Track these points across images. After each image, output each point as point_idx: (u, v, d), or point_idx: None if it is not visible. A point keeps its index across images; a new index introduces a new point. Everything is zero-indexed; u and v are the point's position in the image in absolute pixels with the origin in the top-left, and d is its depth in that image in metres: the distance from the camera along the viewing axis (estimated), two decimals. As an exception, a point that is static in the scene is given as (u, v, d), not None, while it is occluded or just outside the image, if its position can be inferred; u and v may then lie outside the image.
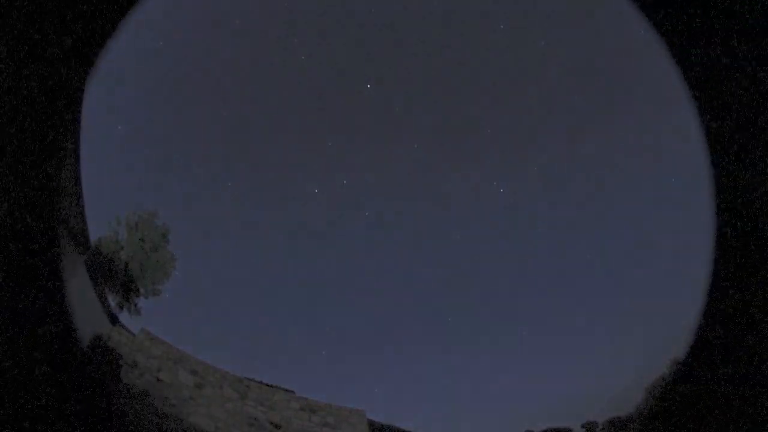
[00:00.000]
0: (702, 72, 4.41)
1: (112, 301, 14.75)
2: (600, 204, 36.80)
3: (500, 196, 37.27)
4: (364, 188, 38.43)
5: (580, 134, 35.90)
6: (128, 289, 15.39)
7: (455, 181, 38.11)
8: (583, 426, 12.94)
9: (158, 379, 10.86)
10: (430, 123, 37.51)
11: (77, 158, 6.81)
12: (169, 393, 10.74)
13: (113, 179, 30.09)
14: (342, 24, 35.08)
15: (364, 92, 35.94)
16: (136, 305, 15.66)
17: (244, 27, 33.87)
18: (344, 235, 39.31)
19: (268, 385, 12.68)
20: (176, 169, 36.60)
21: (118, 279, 15.09)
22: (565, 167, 36.70)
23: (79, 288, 7.81)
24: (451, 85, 36.41)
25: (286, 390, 12.89)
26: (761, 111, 3.94)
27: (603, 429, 12.17)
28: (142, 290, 15.63)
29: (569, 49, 33.64)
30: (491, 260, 39.33)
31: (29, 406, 5.63)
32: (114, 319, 11.62)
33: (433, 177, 38.63)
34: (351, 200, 38.75)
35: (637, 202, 35.18)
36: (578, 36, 33.28)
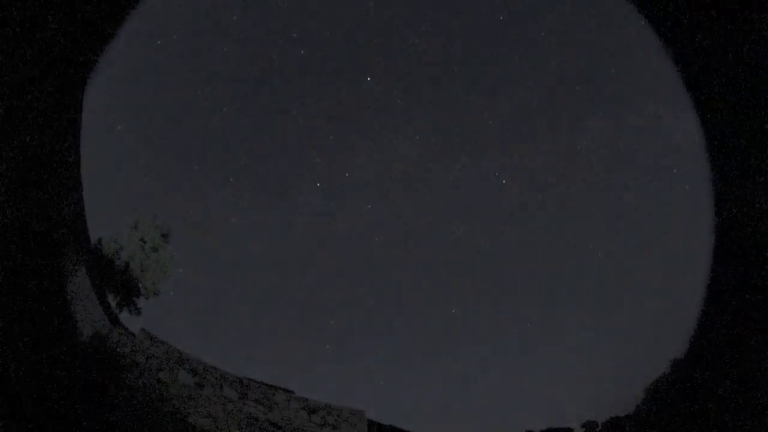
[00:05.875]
0: (698, 65, 4.40)
1: (112, 301, 14.74)
2: (602, 197, 36.81)
3: (502, 187, 37.29)
4: (365, 182, 38.47)
5: (582, 125, 35.90)
6: (128, 289, 15.39)
7: (457, 172, 38.12)
8: (583, 426, 12.92)
9: (158, 379, 10.86)
10: (431, 114, 37.51)
11: (77, 158, 6.81)
12: (169, 393, 10.74)
13: (113, 179, 30.07)
14: (340, 17, 35.07)
15: (364, 85, 35.97)
16: (136, 305, 15.66)
17: (242, 23, 33.92)
18: (345, 230, 39.33)
19: (268, 385, 12.67)
20: (176, 169, 36.60)
21: (118, 279, 15.09)
22: (567, 159, 36.70)
23: (79, 288, 7.81)
24: (452, 77, 36.44)
25: (286, 390, 12.88)
26: (756, 104, 3.94)
27: (603, 429, 12.16)
28: (142, 290, 15.63)
29: (570, 40, 33.66)
30: (493, 255, 39.34)
31: (30, 405, 5.66)
32: (114, 319, 11.60)
33: (434, 168, 38.64)
34: (352, 194, 38.76)
35: (638, 196, 35.19)
36: (579, 27, 33.29)
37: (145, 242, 15.66)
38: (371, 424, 13.51)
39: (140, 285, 15.50)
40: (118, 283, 15.12)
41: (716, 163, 4.89)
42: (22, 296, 5.77)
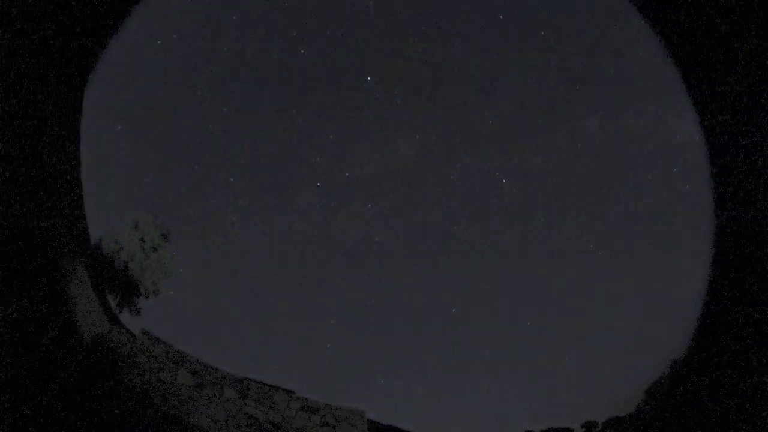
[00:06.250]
0: (698, 65, 4.41)
1: (112, 301, 14.74)
2: (602, 197, 36.81)
3: (502, 187, 37.31)
4: (365, 181, 38.50)
5: (582, 125, 35.92)
6: (128, 289, 15.38)
7: (457, 171, 38.16)
8: (583, 426, 12.93)
9: (158, 379, 10.86)
10: (431, 114, 37.54)
11: (77, 158, 6.81)
12: (169, 393, 10.74)
13: (113, 179, 30.09)
14: (340, 17, 35.07)
15: (365, 84, 35.98)
16: (136, 305, 15.66)
17: (242, 23, 33.91)
18: (345, 230, 39.34)
19: (268, 385, 12.67)
20: (176, 169, 36.63)
21: (118, 279, 15.09)
22: (567, 159, 36.71)
23: (79, 288, 7.81)
24: (451, 76, 36.45)
25: (286, 390, 12.88)
26: (756, 104, 3.93)
27: (603, 429, 12.17)
28: (142, 290, 15.63)
29: (570, 40, 33.66)
30: (493, 255, 39.35)
31: (30, 405, 5.67)
32: (114, 319, 11.61)
33: (434, 168, 38.66)
34: (352, 194, 38.77)
35: (638, 196, 35.19)
36: (579, 27, 33.28)
37: (145, 242, 15.65)
38: (371, 424, 13.51)
39: (140, 285, 15.49)
40: (118, 283, 15.12)
41: (716, 163, 4.88)
42: (22, 296, 5.77)
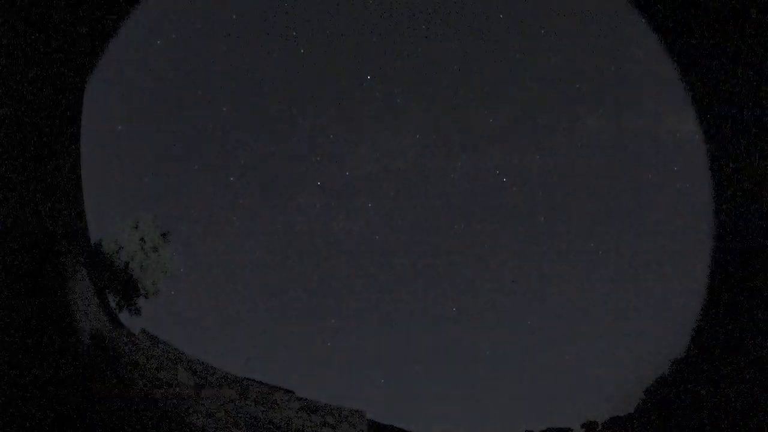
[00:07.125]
0: (698, 65, 4.41)
1: (112, 301, 14.74)
2: (602, 196, 36.81)
3: (503, 186, 37.32)
4: (365, 181, 38.53)
5: (582, 124, 35.92)
6: (128, 289, 15.38)
7: (457, 170, 38.18)
8: (583, 426, 12.91)
9: (158, 379, 10.86)
10: (431, 113, 37.54)
11: (77, 158, 6.81)
12: (169, 393, 10.74)
13: (113, 179, 30.08)
14: (340, 16, 35.07)
15: (365, 84, 36.01)
16: (136, 305, 15.65)
17: (242, 23, 33.92)
18: (346, 228, 39.36)
19: (268, 385, 12.67)
20: (176, 169, 36.63)
21: (118, 279, 15.08)
22: (567, 158, 36.72)
23: (79, 288, 7.81)
24: (451, 75, 36.47)
25: (286, 390, 12.87)
26: (756, 103, 3.93)
27: (603, 429, 12.15)
28: (142, 290, 15.62)
29: (570, 40, 33.65)
30: (493, 254, 39.34)
31: (31, 406, 5.66)
32: (114, 319, 11.60)
33: (434, 167, 38.68)
34: (353, 193, 38.80)
35: (638, 196, 35.19)
36: (579, 26, 33.29)
37: (145, 242, 15.65)
38: (371, 424, 13.51)
39: (140, 285, 15.48)
40: (118, 283, 15.11)
41: (716, 163, 4.88)
42: (21, 297, 5.77)
